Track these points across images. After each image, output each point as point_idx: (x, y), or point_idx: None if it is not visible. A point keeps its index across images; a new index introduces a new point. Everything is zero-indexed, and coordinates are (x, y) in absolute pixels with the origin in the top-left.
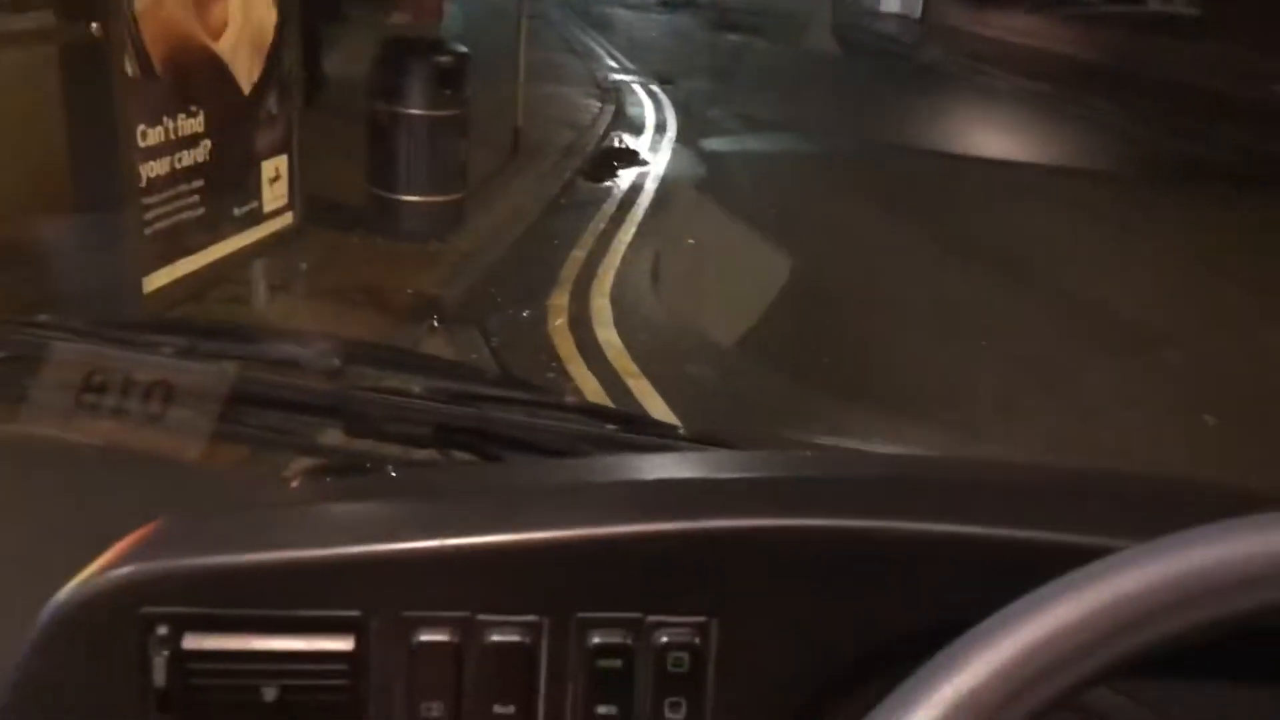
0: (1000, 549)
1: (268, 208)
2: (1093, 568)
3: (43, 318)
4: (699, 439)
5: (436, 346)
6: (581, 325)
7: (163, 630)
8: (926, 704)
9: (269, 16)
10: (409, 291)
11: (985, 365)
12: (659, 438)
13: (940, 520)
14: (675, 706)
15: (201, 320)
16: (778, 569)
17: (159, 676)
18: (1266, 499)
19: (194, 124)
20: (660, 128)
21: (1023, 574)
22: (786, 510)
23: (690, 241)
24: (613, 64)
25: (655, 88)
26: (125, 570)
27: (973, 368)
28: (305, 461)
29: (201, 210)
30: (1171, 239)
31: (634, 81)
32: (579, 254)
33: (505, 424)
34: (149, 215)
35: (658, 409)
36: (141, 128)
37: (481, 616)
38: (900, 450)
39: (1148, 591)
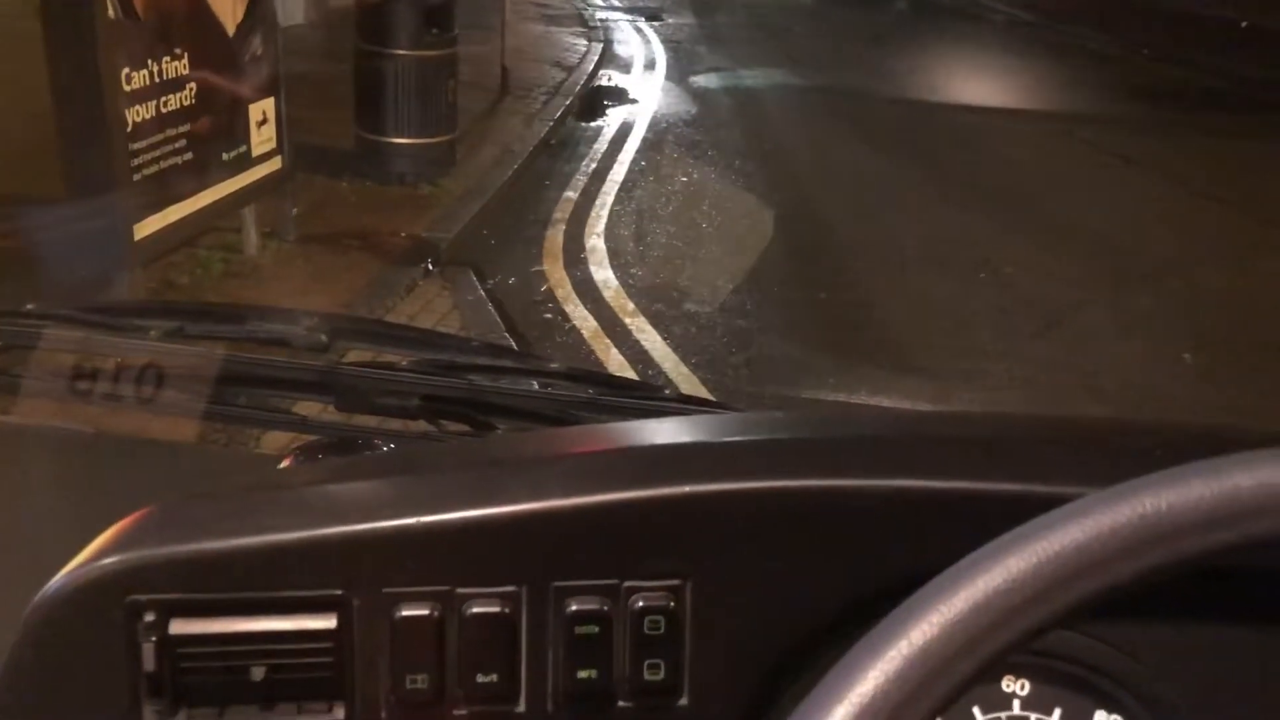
0: (970, 502)
1: (256, 152)
2: (1046, 518)
3: (31, 306)
4: (686, 399)
5: (432, 290)
6: (577, 265)
7: (150, 617)
8: (883, 659)
9: None
10: (402, 235)
11: (982, 297)
12: (645, 400)
13: (909, 476)
14: (653, 668)
15: (189, 302)
16: (748, 531)
17: (148, 662)
18: (1236, 441)
19: (179, 66)
20: (649, 65)
21: (992, 525)
22: (754, 473)
23: (683, 179)
24: (599, 0)
25: (643, 25)
26: (111, 560)
27: (970, 300)
28: (298, 439)
29: (189, 155)
30: (1165, 169)
31: (621, 19)
32: (571, 194)
33: (494, 393)
34: (136, 161)
35: (657, 348)
36: (126, 71)
37: (461, 589)
38: (888, 402)
39: (1098, 539)
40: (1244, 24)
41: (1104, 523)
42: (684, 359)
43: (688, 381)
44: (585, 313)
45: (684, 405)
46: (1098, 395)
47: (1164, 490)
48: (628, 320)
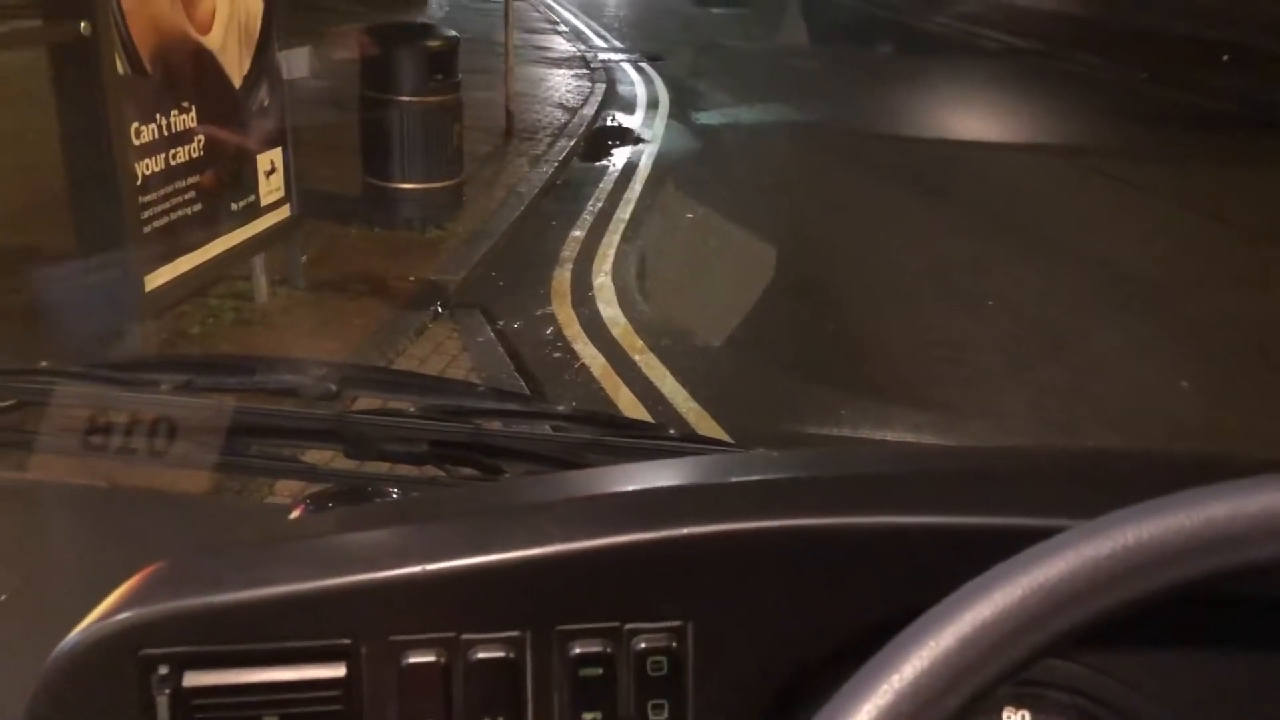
0: (963, 536)
1: (265, 201)
2: (1031, 552)
3: (44, 364)
4: (691, 438)
5: (441, 333)
6: (585, 304)
7: (164, 670)
8: (874, 694)
9: (256, 7)
10: (411, 279)
11: (991, 325)
12: (650, 440)
13: (903, 513)
14: (658, 709)
15: (198, 355)
16: (748, 570)
17: (163, 715)
18: (1225, 469)
19: (187, 119)
20: (652, 104)
21: (985, 559)
22: (751, 514)
23: (688, 216)
24: (600, 43)
25: (645, 65)
26: (125, 615)
27: (979, 328)
28: (310, 487)
29: (199, 206)
30: (1171, 193)
31: (623, 60)
32: (578, 234)
33: (500, 437)
34: (146, 213)
35: (666, 385)
36: (135, 125)
37: (466, 635)
38: (896, 436)
39: (1080, 572)
40: (1225, 58)
41: (1086, 555)
42: (693, 395)
43: (698, 418)
44: (594, 351)
45: (689, 444)
46: (1107, 421)
47: (1144, 522)
48: (637, 358)
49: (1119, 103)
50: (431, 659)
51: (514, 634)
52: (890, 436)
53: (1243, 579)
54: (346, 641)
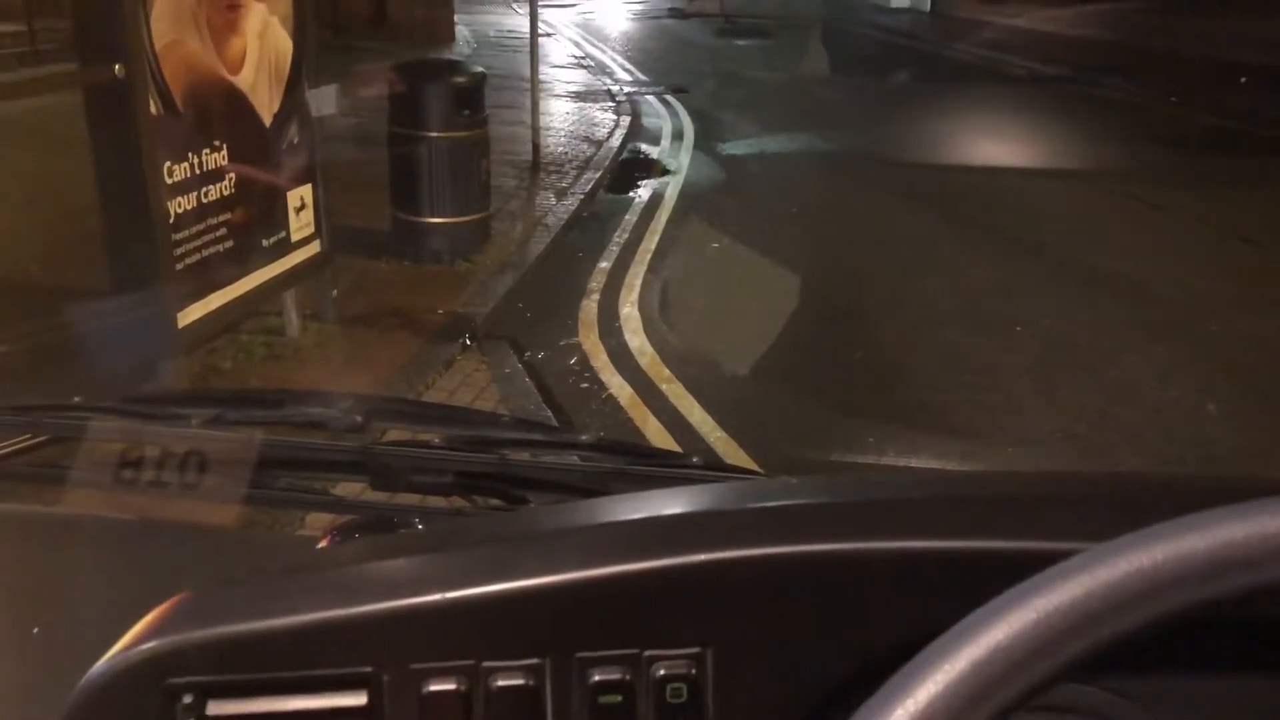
0: (978, 560)
1: (295, 237)
2: (1044, 575)
3: (77, 399)
4: (715, 467)
5: (470, 365)
6: (611, 334)
7: (188, 699)
8: (889, 719)
9: (286, 47)
10: (439, 312)
11: (1020, 350)
12: (674, 468)
13: (919, 537)
14: None
15: (227, 389)
16: (766, 596)
17: None
18: (1246, 491)
19: (218, 158)
20: (677, 135)
21: (999, 582)
22: (770, 539)
23: (714, 245)
24: (626, 76)
25: (670, 97)
26: (150, 645)
27: (1008, 353)
28: (335, 519)
29: (230, 243)
30: (1200, 215)
31: (648, 92)
32: (604, 265)
33: (525, 467)
34: (179, 251)
35: (694, 414)
36: (168, 164)
37: (487, 663)
38: (923, 463)
39: (1094, 594)
40: (1243, 79)
41: (1099, 578)
42: (721, 424)
43: (725, 446)
44: (622, 381)
45: (714, 473)
46: (1139, 446)
47: (1157, 545)
48: (664, 387)
49: (1147, 127)
50: (452, 687)
51: (534, 661)
52: (917, 463)
53: (1261, 601)
54: (368, 669)
